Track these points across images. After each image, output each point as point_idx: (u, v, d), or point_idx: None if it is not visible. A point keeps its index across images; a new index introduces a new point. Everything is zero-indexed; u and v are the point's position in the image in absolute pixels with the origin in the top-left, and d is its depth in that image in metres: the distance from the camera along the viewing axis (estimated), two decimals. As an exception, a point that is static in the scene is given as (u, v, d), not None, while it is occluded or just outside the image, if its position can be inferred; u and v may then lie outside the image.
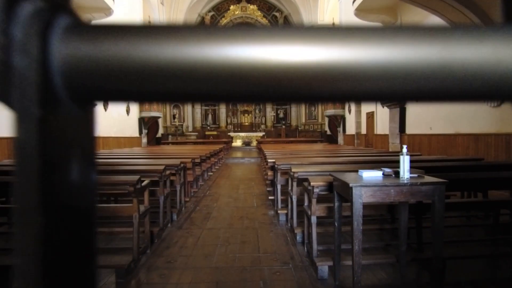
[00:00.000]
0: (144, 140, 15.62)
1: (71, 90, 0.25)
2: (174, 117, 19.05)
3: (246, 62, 0.25)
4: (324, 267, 2.77)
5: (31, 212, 0.24)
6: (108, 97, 0.27)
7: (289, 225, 4.15)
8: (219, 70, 0.25)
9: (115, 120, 12.61)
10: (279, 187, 4.76)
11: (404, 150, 2.53)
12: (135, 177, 3.04)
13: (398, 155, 2.54)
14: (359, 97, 0.27)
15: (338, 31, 0.25)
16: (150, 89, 0.25)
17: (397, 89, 0.25)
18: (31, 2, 0.23)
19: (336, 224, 2.71)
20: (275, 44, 0.25)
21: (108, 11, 9.66)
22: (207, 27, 0.25)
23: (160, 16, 17.65)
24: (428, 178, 2.49)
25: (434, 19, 7.88)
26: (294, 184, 3.81)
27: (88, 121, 0.29)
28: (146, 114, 15.36)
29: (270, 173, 5.81)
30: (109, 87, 0.25)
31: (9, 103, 0.23)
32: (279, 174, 4.64)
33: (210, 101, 0.29)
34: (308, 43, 0.25)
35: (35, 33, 0.23)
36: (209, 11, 21.78)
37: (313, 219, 3.03)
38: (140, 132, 15.28)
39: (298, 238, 3.60)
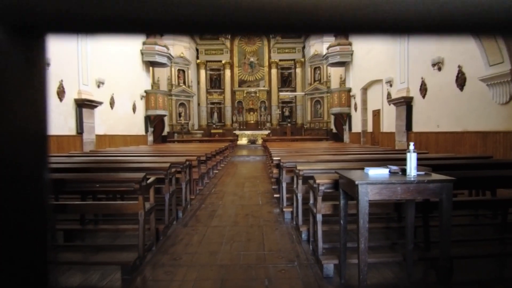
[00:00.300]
0: (150, 138, 15.70)
1: (5, 17, 0.18)
2: (179, 115, 19.10)
3: None
4: (329, 265, 2.75)
5: None
6: (60, 25, 0.19)
7: (294, 223, 4.14)
8: None
9: (121, 118, 12.69)
10: (284, 185, 4.74)
11: (411, 147, 2.49)
12: (141, 175, 3.05)
13: (405, 153, 2.51)
14: (347, 27, 0.22)
15: None
16: (119, 12, 0.19)
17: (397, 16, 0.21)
18: None
19: (341, 222, 2.69)
20: None
21: None
22: None
23: None
24: (436, 176, 2.46)
25: None
26: (300, 182, 3.79)
27: (34, 60, 0.21)
28: (152, 112, 15.43)
29: (275, 171, 5.79)
30: (60, 11, 0.18)
31: None
32: (284, 172, 4.63)
33: (190, 31, 0.22)
34: None
35: None
36: None
37: (319, 217, 3.01)
38: (146, 130, 15.36)
39: (304, 236, 3.58)
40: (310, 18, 0.22)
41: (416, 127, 9.51)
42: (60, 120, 8.58)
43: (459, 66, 7.35)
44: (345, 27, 0.23)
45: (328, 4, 0.21)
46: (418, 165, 2.52)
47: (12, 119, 0.21)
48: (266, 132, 20.38)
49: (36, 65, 0.22)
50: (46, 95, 0.24)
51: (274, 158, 5.47)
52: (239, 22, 0.21)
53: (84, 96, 9.44)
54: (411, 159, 2.47)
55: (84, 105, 9.43)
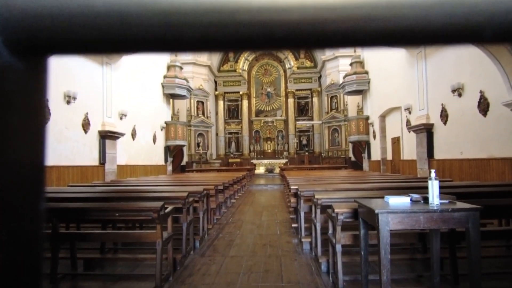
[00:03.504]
0: (170, 167, 15.94)
1: (9, 39, 0.19)
2: (198, 145, 19.42)
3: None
4: (351, 299, 2.62)
5: None
6: (57, 47, 0.20)
7: (313, 253, 4.02)
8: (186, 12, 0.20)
9: (142, 149, 13.02)
10: (302, 214, 4.66)
11: (433, 174, 2.43)
12: (159, 204, 3.09)
13: (427, 181, 2.45)
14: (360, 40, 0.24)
15: None
16: (113, 35, 0.20)
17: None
18: None
19: (362, 252, 2.60)
20: None
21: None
22: None
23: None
24: (460, 204, 2.37)
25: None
26: (318, 211, 3.72)
27: (36, 80, 0.22)
28: (171, 142, 15.78)
29: (293, 200, 5.71)
30: (56, 34, 0.19)
31: None
32: (302, 201, 4.56)
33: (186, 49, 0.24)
34: None
35: None
36: (233, 43, 22.62)
37: (338, 248, 2.92)
38: (166, 160, 15.64)
39: (323, 267, 3.46)
40: (319, 32, 0.23)
41: (438, 154, 9.26)
42: (85, 151, 8.91)
43: (481, 91, 7.23)
44: (353, 39, 0.25)
45: (336, 17, 0.23)
46: (441, 193, 2.45)
47: (7, 149, 0.21)
48: (284, 161, 20.32)
49: (37, 90, 0.22)
50: (45, 122, 0.23)
51: (292, 187, 5.42)
52: (248, 38, 0.22)
53: (107, 128, 9.82)
54: (433, 186, 2.40)
55: (107, 136, 9.78)
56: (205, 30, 0.21)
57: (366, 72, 15.54)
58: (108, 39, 0.20)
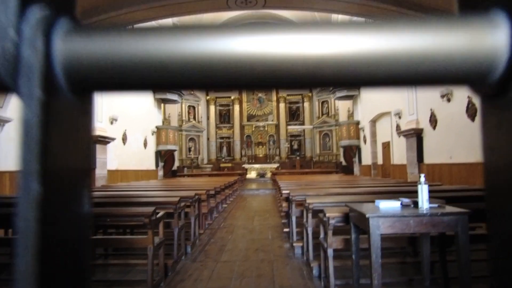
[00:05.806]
0: (161, 172, 15.80)
1: (70, 80, 0.29)
2: (189, 150, 19.32)
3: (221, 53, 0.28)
4: (343, 303, 2.63)
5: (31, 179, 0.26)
6: (101, 87, 0.31)
7: (305, 258, 4.02)
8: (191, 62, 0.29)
9: (134, 154, 12.89)
10: (294, 218, 4.67)
11: (422, 179, 2.47)
12: (151, 209, 3.06)
13: (417, 185, 2.48)
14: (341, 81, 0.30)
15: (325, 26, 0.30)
16: (137, 79, 0.29)
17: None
18: (39, 6, 0.27)
19: (353, 257, 2.61)
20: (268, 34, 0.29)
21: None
22: (185, 27, 0.29)
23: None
24: (450, 208, 2.41)
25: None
26: (309, 215, 3.73)
27: (85, 110, 0.32)
28: (162, 147, 15.66)
29: (284, 204, 5.72)
30: (102, 79, 0.29)
31: (17, 90, 0.27)
32: (293, 206, 4.57)
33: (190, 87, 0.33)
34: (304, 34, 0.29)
35: (41, 32, 0.27)
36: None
37: (330, 252, 2.93)
38: (157, 165, 15.50)
39: (315, 272, 3.47)
40: (314, 74, 0.29)
41: (428, 159, 9.39)
42: (73, 155, 8.76)
43: (469, 97, 7.38)
44: (347, 82, 0.30)
45: (330, 61, 0.28)
46: (431, 197, 2.49)
47: (61, 157, 0.29)
48: (275, 165, 20.34)
49: (85, 112, 0.33)
50: (92, 135, 0.34)
51: (284, 192, 5.43)
52: (248, 80, 0.29)
53: (98, 133, 9.70)
54: (423, 191, 2.43)
55: (97, 141, 9.66)
56: (232, 74, 0.29)
57: (357, 78, 15.71)
58: (141, 83, 0.30)
